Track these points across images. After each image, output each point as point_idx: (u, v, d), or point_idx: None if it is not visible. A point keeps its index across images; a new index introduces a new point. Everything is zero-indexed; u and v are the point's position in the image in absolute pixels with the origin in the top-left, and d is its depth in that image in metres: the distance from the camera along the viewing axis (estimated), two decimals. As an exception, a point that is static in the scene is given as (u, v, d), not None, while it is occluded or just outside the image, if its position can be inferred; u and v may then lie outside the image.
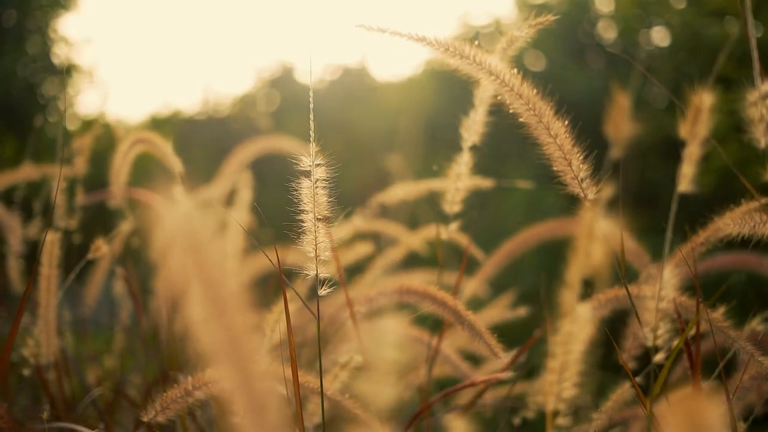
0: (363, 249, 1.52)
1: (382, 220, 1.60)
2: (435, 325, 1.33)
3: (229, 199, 1.92)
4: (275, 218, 1.11)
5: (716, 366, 1.03)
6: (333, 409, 1.12)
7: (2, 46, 5.96)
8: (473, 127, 1.16)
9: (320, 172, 0.95)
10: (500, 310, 1.57)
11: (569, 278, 0.71)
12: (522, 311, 1.48)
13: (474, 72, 0.88)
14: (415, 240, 1.59)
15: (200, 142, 6.78)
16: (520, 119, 0.89)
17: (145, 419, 1.05)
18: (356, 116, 6.44)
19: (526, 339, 1.23)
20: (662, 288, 0.82)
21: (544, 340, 1.31)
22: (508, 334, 1.17)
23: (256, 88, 8.13)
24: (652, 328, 0.83)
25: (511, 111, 0.89)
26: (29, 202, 1.87)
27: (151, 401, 1.55)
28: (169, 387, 1.55)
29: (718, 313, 0.96)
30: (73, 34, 7.19)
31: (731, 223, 0.87)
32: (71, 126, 6.73)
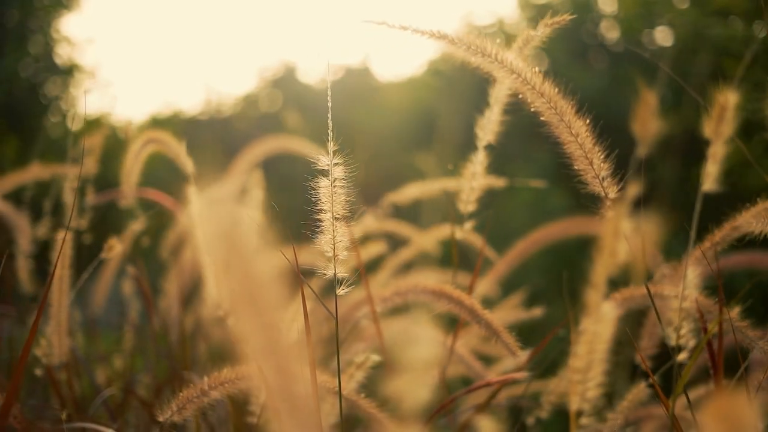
0: (375, 248, 1.51)
1: (393, 220, 1.60)
2: (444, 324, 1.33)
3: (239, 199, 1.92)
4: (284, 218, 1.11)
5: (731, 365, 1.03)
6: (349, 408, 1.12)
7: (4, 46, 5.96)
8: (488, 126, 1.16)
9: (338, 171, 0.95)
10: (515, 310, 1.57)
11: (594, 277, 0.71)
12: (537, 311, 1.48)
13: (495, 70, 0.88)
14: (426, 240, 1.59)
15: (202, 142, 6.77)
16: (541, 118, 0.89)
17: (161, 419, 1.05)
18: (359, 116, 6.44)
19: (536, 338, 1.23)
20: (685, 287, 0.82)
21: (558, 340, 1.31)
22: (517, 333, 1.17)
23: (258, 88, 8.13)
24: (675, 328, 0.83)
25: (532, 109, 0.88)
26: (37, 202, 1.87)
27: (162, 401, 1.54)
28: (180, 387, 1.55)
29: (734, 313, 0.96)
30: (76, 34, 7.19)
31: (753, 220, 0.86)
32: (74, 126, 6.73)
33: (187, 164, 1.27)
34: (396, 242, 1.76)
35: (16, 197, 1.82)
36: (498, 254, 1.57)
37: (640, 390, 1.17)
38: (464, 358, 1.31)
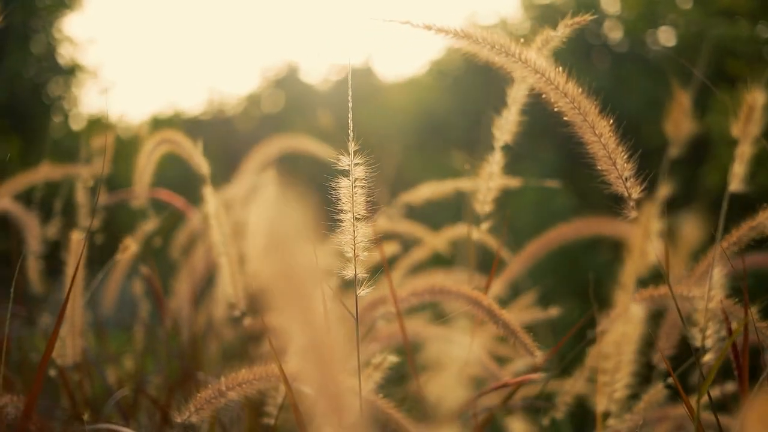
0: (388, 249, 1.51)
1: (405, 220, 1.60)
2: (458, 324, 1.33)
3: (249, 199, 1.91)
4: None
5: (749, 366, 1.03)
6: (367, 409, 1.11)
7: (6, 46, 5.95)
8: (506, 127, 1.15)
9: (359, 172, 0.95)
10: (531, 310, 1.57)
11: (624, 278, 0.70)
12: (554, 311, 1.48)
13: (518, 70, 0.87)
14: (439, 240, 1.58)
15: (205, 142, 6.76)
16: (564, 118, 0.88)
17: (179, 420, 1.05)
18: (361, 116, 6.44)
19: (546, 339, 1.23)
20: (711, 288, 0.82)
21: (574, 340, 1.30)
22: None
23: (261, 88, 8.13)
24: (701, 328, 0.82)
25: (555, 109, 0.88)
26: (47, 202, 1.87)
27: (175, 402, 1.54)
28: (193, 387, 1.55)
29: (754, 313, 0.95)
30: (78, 34, 7.19)
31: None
32: (76, 126, 6.73)
33: (202, 165, 1.26)
34: (406, 242, 1.76)
35: (25, 197, 1.82)
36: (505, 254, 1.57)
37: (657, 391, 1.17)
38: (480, 358, 1.30)
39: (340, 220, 0.95)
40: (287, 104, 7.74)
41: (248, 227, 1.57)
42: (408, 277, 1.59)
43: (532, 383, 1.36)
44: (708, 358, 0.82)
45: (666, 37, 5.48)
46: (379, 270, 1.67)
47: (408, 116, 6.13)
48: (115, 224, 1.86)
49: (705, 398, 1.11)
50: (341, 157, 0.95)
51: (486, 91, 5.62)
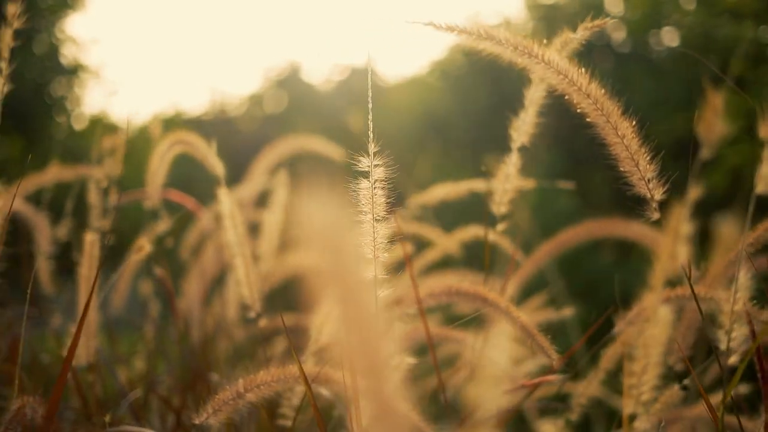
0: (403, 250, 1.51)
1: (417, 221, 1.60)
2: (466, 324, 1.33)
3: (260, 200, 1.91)
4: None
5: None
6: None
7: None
8: (523, 128, 1.15)
9: (379, 173, 0.94)
10: (545, 311, 1.57)
11: (653, 280, 0.70)
12: (567, 311, 1.48)
13: (541, 70, 0.87)
14: (451, 242, 1.58)
15: (207, 142, 6.75)
16: (587, 119, 0.88)
17: (197, 422, 1.04)
18: (363, 116, 6.43)
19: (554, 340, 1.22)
20: (737, 290, 0.82)
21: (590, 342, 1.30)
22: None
23: (263, 88, 8.13)
24: (726, 331, 0.82)
25: (578, 110, 0.88)
26: (56, 202, 1.87)
27: (187, 403, 1.54)
28: (204, 388, 1.54)
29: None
30: (81, 34, 7.19)
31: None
32: (78, 126, 6.72)
33: (217, 166, 1.26)
34: (417, 243, 1.75)
35: (35, 198, 1.82)
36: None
37: (673, 392, 1.17)
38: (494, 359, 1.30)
39: (360, 222, 0.95)
40: (289, 104, 7.73)
41: (263, 228, 1.57)
42: (420, 278, 1.59)
43: (549, 384, 1.35)
44: (733, 360, 0.82)
45: (669, 37, 5.48)
46: (398, 271, 1.67)
47: (410, 116, 6.13)
48: (122, 225, 1.85)
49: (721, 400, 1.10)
50: (361, 158, 0.95)
51: (488, 91, 5.62)
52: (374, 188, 0.95)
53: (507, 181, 1.19)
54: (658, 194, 0.88)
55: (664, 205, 0.89)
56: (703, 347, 1.31)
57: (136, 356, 1.85)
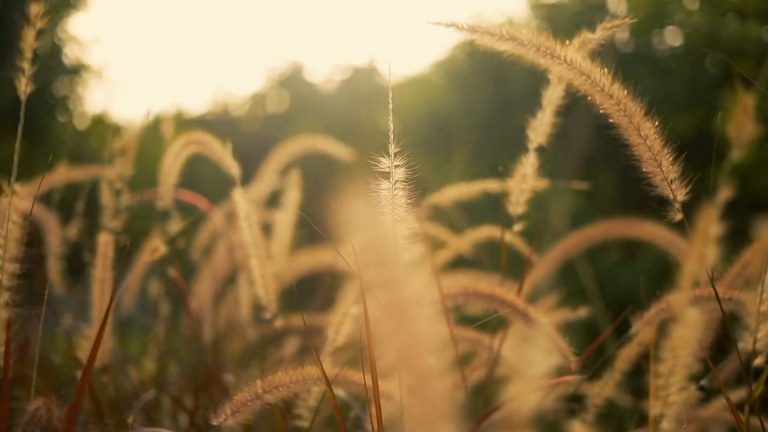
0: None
1: (430, 222, 1.60)
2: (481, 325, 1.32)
3: (270, 201, 1.91)
4: (317, 219, 1.11)
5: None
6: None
7: (11, 46, 5.94)
8: (540, 128, 1.15)
9: (400, 174, 0.94)
10: (562, 312, 1.56)
11: (681, 281, 0.70)
12: (583, 311, 1.48)
13: (564, 72, 0.87)
14: (463, 243, 1.58)
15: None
16: (610, 120, 0.88)
17: (215, 422, 1.04)
18: (367, 116, 6.43)
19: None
20: (764, 290, 0.82)
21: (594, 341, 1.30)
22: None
23: (266, 87, 8.12)
24: (751, 332, 0.82)
25: (601, 111, 0.88)
26: (66, 202, 1.87)
27: (200, 404, 1.54)
28: (216, 389, 1.54)
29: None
30: (83, 34, 7.19)
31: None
32: (81, 125, 6.72)
33: (233, 167, 1.26)
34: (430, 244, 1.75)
35: (45, 198, 1.81)
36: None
37: (690, 392, 1.16)
38: (509, 360, 1.30)
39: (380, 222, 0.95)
40: (292, 104, 7.73)
41: (274, 227, 1.57)
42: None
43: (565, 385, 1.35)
44: (759, 361, 0.82)
45: (673, 37, 5.47)
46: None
47: (412, 116, 6.13)
48: (132, 225, 1.85)
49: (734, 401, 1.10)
50: (381, 159, 0.94)
51: (491, 90, 5.61)
52: (395, 189, 0.94)
53: (524, 182, 1.19)
54: (681, 195, 0.88)
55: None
56: (718, 348, 1.31)
57: (146, 356, 1.85)
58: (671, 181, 0.88)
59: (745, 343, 0.81)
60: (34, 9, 0.88)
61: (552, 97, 1.13)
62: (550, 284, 1.91)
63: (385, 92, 7.02)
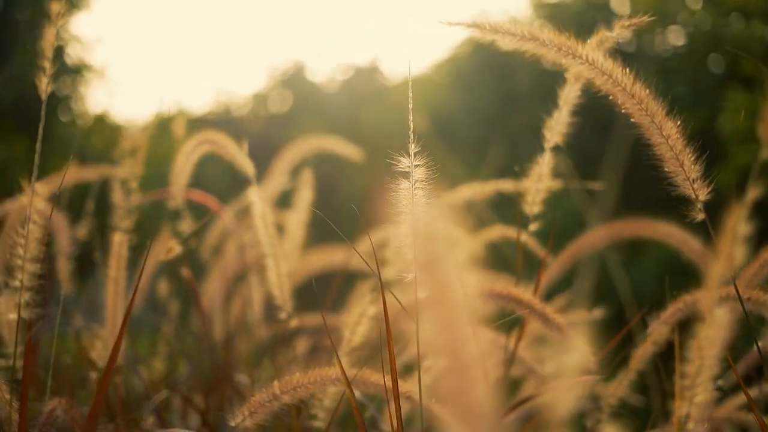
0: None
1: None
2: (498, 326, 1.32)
3: (279, 200, 1.91)
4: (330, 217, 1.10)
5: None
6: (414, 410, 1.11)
7: (14, 45, 5.94)
8: (556, 128, 1.15)
9: (419, 173, 0.94)
10: (576, 312, 1.56)
11: (709, 280, 0.70)
12: (598, 312, 1.47)
13: (585, 71, 0.87)
14: (476, 242, 1.58)
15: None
16: (632, 119, 0.88)
17: (233, 423, 1.04)
18: (369, 115, 6.43)
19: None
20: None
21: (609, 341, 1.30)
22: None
23: (268, 87, 8.12)
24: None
25: (623, 111, 0.88)
26: (75, 202, 1.86)
27: (211, 404, 1.53)
28: (227, 389, 1.54)
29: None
30: (86, 34, 7.18)
31: None
32: (82, 125, 6.71)
33: (247, 166, 1.26)
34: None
35: (55, 198, 1.81)
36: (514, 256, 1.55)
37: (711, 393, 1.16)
38: (525, 360, 1.30)
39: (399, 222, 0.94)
40: (294, 104, 7.73)
41: (286, 227, 1.57)
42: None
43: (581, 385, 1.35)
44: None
45: (675, 36, 5.47)
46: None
47: (415, 115, 6.13)
48: (140, 224, 1.85)
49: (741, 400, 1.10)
50: (401, 158, 0.94)
51: (494, 89, 5.61)
52: (415, 188, 0.94)
53: (540, 181, 1.19)
54: (703, 194, 0.88)
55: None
56: (732, 347, 1.31)
57: (156, 356, 1.85)
58: (693, 180, 0.88)
59: (765, 342, 0.81)
60: (55, 7, 0.87)
61: (569, 96, 1.12)
62: (561, 284, 1.91)
63: (387, 92, 7.02)
